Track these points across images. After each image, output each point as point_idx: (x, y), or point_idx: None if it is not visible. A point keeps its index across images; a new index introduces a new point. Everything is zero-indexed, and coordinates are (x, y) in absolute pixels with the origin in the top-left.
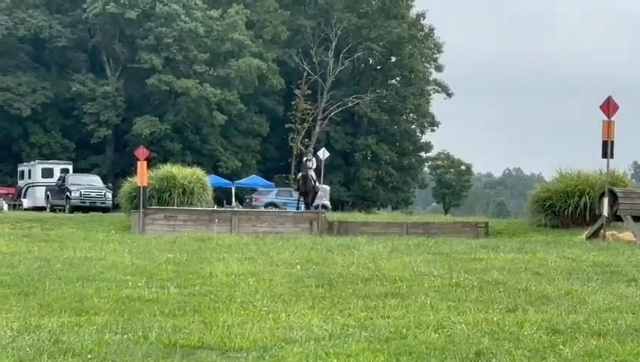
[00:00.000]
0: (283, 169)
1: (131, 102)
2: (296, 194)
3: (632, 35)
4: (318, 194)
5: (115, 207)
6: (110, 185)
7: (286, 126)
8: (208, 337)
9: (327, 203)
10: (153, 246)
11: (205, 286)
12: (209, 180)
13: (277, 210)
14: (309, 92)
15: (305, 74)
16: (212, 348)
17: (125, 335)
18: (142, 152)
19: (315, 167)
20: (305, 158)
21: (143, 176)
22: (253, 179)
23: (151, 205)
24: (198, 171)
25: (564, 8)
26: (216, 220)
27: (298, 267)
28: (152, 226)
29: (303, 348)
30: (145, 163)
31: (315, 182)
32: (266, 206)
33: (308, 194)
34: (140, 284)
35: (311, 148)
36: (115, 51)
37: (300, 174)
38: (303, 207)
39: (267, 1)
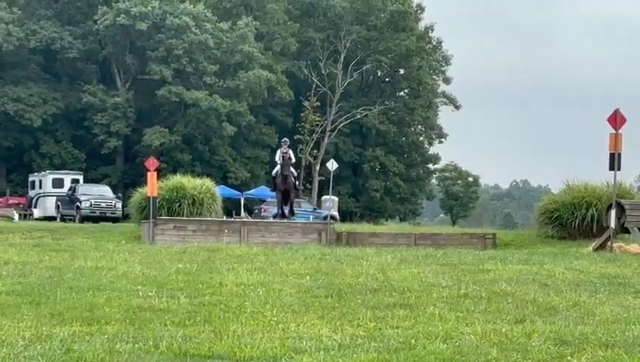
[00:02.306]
0: None
1: (141, 113)
2: (305, 205)
3: (632, 42)
4: (327, 205)
5: (125, 217)
6: (120, 195)
7: (295, 137)
8: (218, 347)
9: (336, 214)
10: (163, 256)
11: (215, 296)
12: (218, 191)
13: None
14: (318, 104)
15: (314, 86)
16: (222, 357)
17: (136, 345)
18: (152, 163)
19: (293, 161)
20: (282, 151)
21: (153, 187)
22: (261, 190)
23: (161, 215)
24: (207, 182)
25: (572, 18)
26: (226, 231)
27: (307, 277)
28: (161, 236)
29: (312, 358)
30: (155, 173)
31: (295, 180)
32: (274, 216)
33: (289, 193)
34: (150, 294)
35: (286, 139)
36: (125, 63)
37: (277, 170)
38: (283, 211)
39: (277, 14)
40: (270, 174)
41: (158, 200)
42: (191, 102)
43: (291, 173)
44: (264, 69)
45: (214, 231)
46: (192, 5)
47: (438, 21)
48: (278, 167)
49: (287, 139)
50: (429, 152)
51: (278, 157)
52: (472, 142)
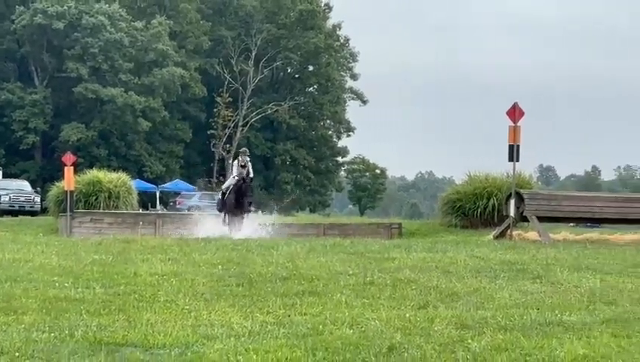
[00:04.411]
0: (205, 173)
1: (59, 110)
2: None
3: (535, 41)
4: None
5: (44, 210)
6: (39, 189)
7: (208, 132)
8: (132, 335)
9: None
10: (80, 248)
11: (130, 286)
12: (134, 184)
13: (200, 212)
14: (230, 99)
15: (226, 82)
16: (136, 345)
17: (52, 334)
18: (69, 158)
19: (252, 176)
20: (240, 164)
21: (70, 181)
22: (176, 184)
23: (78, 209)
24: (123, 176)
25: (474, 16)
26: (141, 223)
27: (219, 267)
28: (79, 229)
29: (223, 344)
30: (72, 168)
31: (250, 202)
32: (189, 209)
33: (242, 206)
34: (66, 285)
35: (246, 149)
36: (43, 61)
37: (229, 186)
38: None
39: (189, 13)
40: (185, 168)
41: (75, 194)
42: (107, 98)
43: (249, 193)
44: (178, 67)
45: (130, 223)
46: (107, 5)
47: (348, 19)
48: (229, 183)
49: (247, 150)
50: (338, 146)
51: (235, 171)
52: (379, 136)
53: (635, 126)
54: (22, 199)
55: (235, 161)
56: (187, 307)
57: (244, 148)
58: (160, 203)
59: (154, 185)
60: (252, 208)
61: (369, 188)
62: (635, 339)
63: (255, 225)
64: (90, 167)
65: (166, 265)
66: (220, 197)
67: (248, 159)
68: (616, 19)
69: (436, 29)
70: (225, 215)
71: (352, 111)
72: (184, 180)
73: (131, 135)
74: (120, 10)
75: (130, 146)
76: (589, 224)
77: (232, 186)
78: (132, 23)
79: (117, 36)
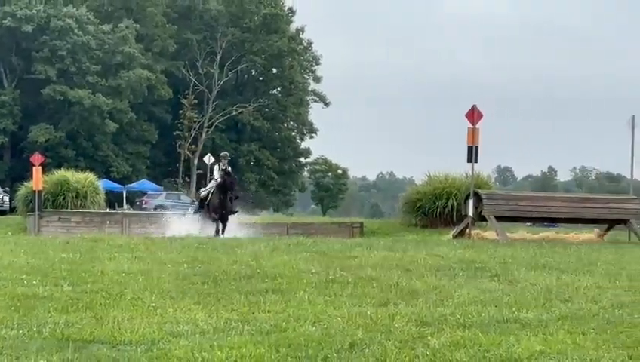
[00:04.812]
0: (171, 173)
1: (27, 111)
2: (184, 198)
3: (493, 42)
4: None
5: (12, 210)
6: (7, 189)
7: (174, 133)
8: (99, 331)
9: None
10: (48, 247)
11: (97, 284)
12: (101, 184)
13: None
14: (196, 101)
15: (192, 84)
16: (103, 341)
17: (20, 331)
18: (37, 158)
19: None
20: (221, 168)
21: (38, 181)
22: (143, 183)
23: (46, 208)
24: (90, 176)
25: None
26: (108, 222)
27: (185, 265)
28: (47, 228)
29: (188, 341)
30: (40, 168)
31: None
32: (155, 208)
33: (227, 206)
34: (34, 282)
35: (227, 153)
36: (11, 63)
37: (211, 189)
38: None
39: (156, 17)
40: (151, 168)
41: (43, 193)
42: (75, 100)
43: (235, 187)
44: (144, 69)
45: (97, 222)
46: (75, 8)
47: (311, 22)
48: (212, 185)
49: (228, 153)
50: (301, 147)
51: (217, 174)
52: (341, 137)
53: (590, 128)
54: None
55: (216, 166)
56: (153, 304)
57: (225, 153)
58: (126, 202)
59: (121, 185)
60: (237, 209)
61: (331, 188)
62: (589, 336)
63: (235, 224)
64: (58, 167)
65: (132, 263)
66: (198, 201)
67: (228, 163)
68: (571, 19)
69: (396, 31)
70: (204, 217)
71: (315, 113)
72: (150, 180)
73: (98, 136)
74: (87, 13)
75: (97, 147)
76: (545, 223)
77: (214, 188)
78: (99, 27)
79: (84, 39)
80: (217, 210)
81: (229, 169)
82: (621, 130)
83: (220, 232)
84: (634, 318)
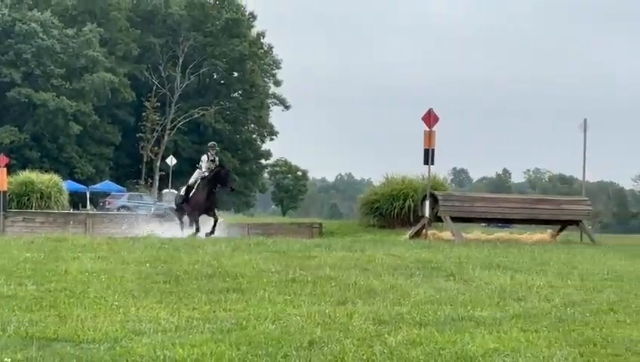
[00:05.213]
0: (134, 175)
1: None
2: (147, 198)
3: (449, 47)
4: (167, 198)
5: None
6: None
7: (137, 135)
8: (63, 330)
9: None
10: (12, 247)
11: (61, 283)
12: (65, 185)
13: (129, 212)
14: (158, 104)
15: (154, 87)
16: (67, 340)
17: None
18: (2, 160)
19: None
20: (210, 158)
21: (3, 182)
22: (106, 184)
23: (11, 208)
24: (55, 177)
25: (392, 21)
26: (71, 222)
27: (147, 265)
28: (11, 228)
29: (151, 339)
30: (5, 169)
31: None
32: (118, 209)
33: (214, 202)
34: None
35: (214, 143)
36: None
37: (197, 180)
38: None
39: (119, 21)
40: (114, 170)
41: (8, 194)
42: (39, 102)
43: (229, 179)
44: (108, 72)
45: (61, 222)
46: (39, 12)
47: (273, 26)
48: (198, 175)
49: (215, 143)
50: (262, 149)
51: (204, 165)
52: (301, 139)
53: (543, 131)
54: None
55: (204, 156)
56: (116, 303)
57: (212, 143)
58: (90, 203)
59: (84, 186)
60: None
61: (291, 189)
62: (542, 334)
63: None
64: (23, 168)
65: (96, 262)
66: (184, 192)
67: (216, 154)
68: (523, 24)
69: (355, 34)
70: (183, 213)
71: (275, 115)
72: (114, 181)
73: (63, 138)
74: (52, 17)
75: (61, 149)
76: (499, 224)
77: (200, 179)
78: (64, 30)
79: (49, 43)
80: (201, 205)
81: (217, 160)
82: (574, 133)
83: (210, 232)
84: (585, 317)
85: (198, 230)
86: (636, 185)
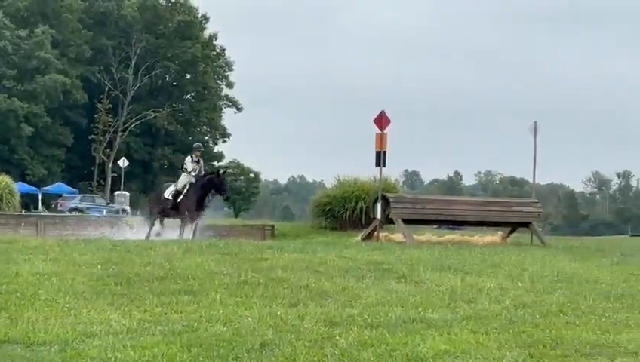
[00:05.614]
0: (86, 177)
1: None
2: (99, 200)
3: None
4: (119, 200)
5: None
6: None
7: (89, 137)
8: (14, 332)
9: (128, 208)
10: None
11: (11, 285)
12: (16, 187)
13: (81, 214)
14: (111, 106)
15: (106, 89)
16: (17, 342)
17: None
18: None
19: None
20: (194, 160)
21: None
22: (58, 186)
23: None
24: (6, 179)
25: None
26: (23, 224)
27: (99, 267)
28: None
29: (102, 341)
30: None
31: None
32: (70, 211)
33: (203, 206)
34: None
35: (199, 144)
36: None
37: (186, 185)
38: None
39: (71, 22)
40: (66, 171)
41: None
42: None
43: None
44: (60, 74)
45: (12, 224)
46: None
47: (226, 28)
48: (185, 181)
49: (200, 144)
50: (214, 151)
51: (190, 165)
52: (253, 141)
53: (494, 134)
54: None
55: (188, 158)
56: (67, 305)
57: (197, 144)
58: (42, 205)
59: (36, 188)
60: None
61: (243, 191)
62: (492, 335)
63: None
64: None
65: (47, 264)
66: (171, 197)
67: (200, 155)
68: (476, 33)
69: (309, 37)
70: (157, 218)
71: (228, 117)
72: (66, 183)
73: (14, 139)
74: (4, 19)
75: (13, 150)
76: (451, 226)
77: (189, 184)
78: (15, 32)
79: (1, 44)
80: (193, 210)
81: (202, 162)
82: (524, 136)
83: (192, 234)
84: (535, 318)
85: (194, 234)
86: (586, 188)
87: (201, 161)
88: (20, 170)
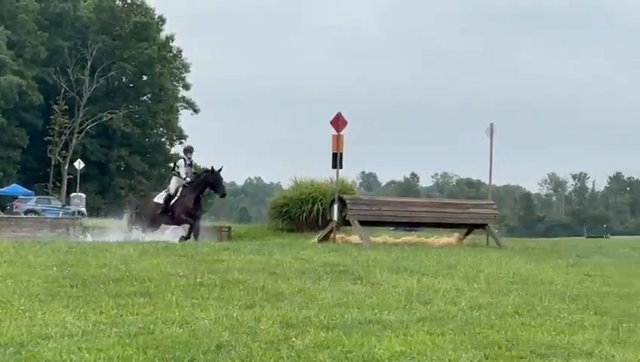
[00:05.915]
0: (42, 178)
1: None
2: (55, 202)
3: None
4: (75, 202)
5: None
6: None
7: (45, 138)
8: None
9: (84, 210)
10: None
11: None
12: None
13: (36, 216)
14: (67, 107)
15: (62, 91)
16: None
17: None
18: None
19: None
20: (187, 160)
21: None
22: (14, 188)
23: None
24: None
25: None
26: None
27: (54, 269)
28: None
29: (57, 343)
30: None
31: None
32: (26, 212)
33: (200, 207)
34: None
35: (192, 146)
36: None
37: (178, 187)
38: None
39: (27, 23)
40: (22, 173)
41: None
42: None
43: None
44: (15, 75)
45: None
46: None
47: (178, 32)
48: (177, 184)
49: (192, 147)
50: (171, 152)
51: (183, 170)
52: (210, 143)
53: (451, 136)
54: None
55: (181, 161)
56: (22, 307)
57: (189, 146)
58: None
59: None
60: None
61: None
62: (448, 336)
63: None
64: None
65: (1, 266)
66: (163, 201)
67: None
68: (434, 33)
69: (266, 38)
70: (143, 223)
71: (185, 119)
72: (21, 185)
73: None
74: None
75: None
76: (407, 228)
77: (182, 186)
78: None
79: None
80: (189, 210)
81: (194, 163)
82: (480, 138)
83: (194, 237)
84: (491, 319)
85: (189, 236)
86: (542, 189)
87: (194, 163)
88: None
